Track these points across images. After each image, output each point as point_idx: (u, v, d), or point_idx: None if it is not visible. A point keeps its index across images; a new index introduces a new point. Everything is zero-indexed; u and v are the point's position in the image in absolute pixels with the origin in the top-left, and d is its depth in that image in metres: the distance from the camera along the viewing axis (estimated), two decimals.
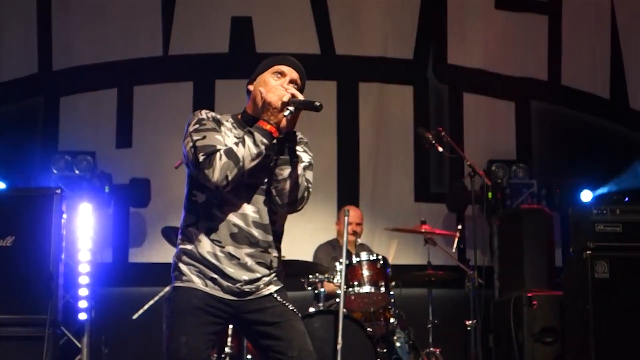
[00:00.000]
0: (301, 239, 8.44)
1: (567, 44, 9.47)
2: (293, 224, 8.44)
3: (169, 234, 6.91)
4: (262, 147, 3.58)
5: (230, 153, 3.55)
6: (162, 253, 7.93)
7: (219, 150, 3.57)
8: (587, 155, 8.94)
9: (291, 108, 3.61)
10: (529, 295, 7.75)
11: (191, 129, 3.66)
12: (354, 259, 7.22)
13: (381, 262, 7.26)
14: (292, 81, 3.80)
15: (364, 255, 7.27)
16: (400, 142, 9.21)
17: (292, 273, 7.26)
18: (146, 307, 7.02)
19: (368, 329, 7.00)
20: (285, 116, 3.62)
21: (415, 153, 9.15)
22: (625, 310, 6.97)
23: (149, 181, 8.61)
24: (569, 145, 9.09)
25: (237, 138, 3.65)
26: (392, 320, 7.29)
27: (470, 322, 7.36)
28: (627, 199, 7.65)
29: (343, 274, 6.77)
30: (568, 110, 9.37)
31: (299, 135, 3.84)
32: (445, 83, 9.33)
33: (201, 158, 3.55)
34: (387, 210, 8.91)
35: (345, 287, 6.80)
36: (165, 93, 9.06)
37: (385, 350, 7.17)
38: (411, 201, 9.13)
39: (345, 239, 6.83)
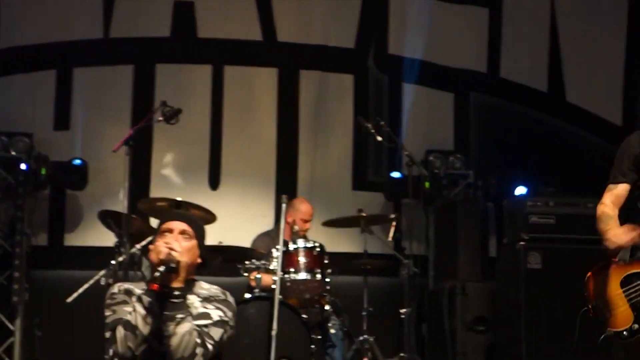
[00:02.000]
0: (239, 225, 8.45)
1: (507, 36, 9.55)
2: (231, 211, 8.54)
3: (105, 218, 6.88)
4: (149, 308, 3.70)
5: (126, 323, 3.68)
6: (98, 236, 7.88)
7: (119, 323, 3.70)
8: (524, 147, 9.04)
9: (161, 268, 3.75)
10: (462, 284, 7.88)
11: (105, 304, 3.81)
12: (291, 246, 7.21)
13: (318, 249, 7.25)
14: (181, 232, 3.96)
15: (300, 243, 7.26)
16: (339, 131, 9.24)
17: (229, 259, 7.32)
18: (81, 290, 6.96)
19: (303, 316, 7.00)
20: (161, 272, 3.74)
21: (354, 142, 9.19)
22: (557, 301, 7.12)
23: (86, 164, 8.53)
24: (506, 137, 9.17)
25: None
26: (327, 307, 7.31)
27: (405, 310, 7.43)
28: (560, 192, 7.80)
29: (280, 260, 6.78)
30: (506, 103, 9.47)
31: (212, 292, 3.95)
32: (385, 73, 9.36)
33: (107, 335, 3.71)
34: (325, 198, 8.89)
35: (281, 273, 6.80)
36: (105, 76, 8.97)
37: (319, 337, 7.13)
38: (349, 190, 9.17)
39: (282, 227, 6.82)
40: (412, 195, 8.03)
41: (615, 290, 4.30)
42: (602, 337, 4.32)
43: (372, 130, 7.55)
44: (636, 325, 4.20)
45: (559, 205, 7.54)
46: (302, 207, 7.80)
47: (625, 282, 4.29)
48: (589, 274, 4.49)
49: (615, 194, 4.53)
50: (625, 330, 4.22)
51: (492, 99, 9.46)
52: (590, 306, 4.41)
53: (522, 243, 7.33)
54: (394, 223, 7.73)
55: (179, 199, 6.93)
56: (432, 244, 8.71)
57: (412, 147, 8.40)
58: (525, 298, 7.23)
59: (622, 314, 4.25)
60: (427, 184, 8.43)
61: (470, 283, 7.97)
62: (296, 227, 7.70)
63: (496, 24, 9.53)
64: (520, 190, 8.41)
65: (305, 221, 7.80)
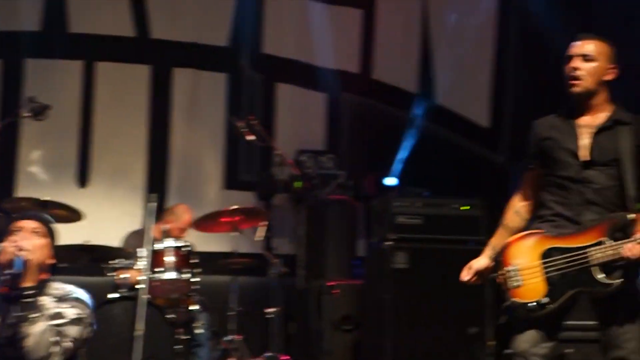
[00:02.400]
0: (107, 224, 8.38)
1: (380, 38, 9.67)
2: (99, 209, 8.42)
3: None
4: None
5: None
6: None
7: None
8: (395, 149, 9.14)
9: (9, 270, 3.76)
10: (330, 284, 7.94)
11: None
12: (159, 245, 7.18)
13: (186, 248, 7.26)
14: (33, 231, 3.99)
15: (168, 242, 7.25)
16: (211, 130, 9.22)
17: (96, 258, 7.25)
18: None
19: (169, 315, 7.00)
20: (10, 274, 3.76)
21: (226, 141, 9.17)
22: (422, 300, 7.27)
23: None
24: (378, 137, 9.25)
25: None
26: (194, 307, 7.31)
27: (272, 309, 7.49)
28: (427, 193, 7.93)
29: (148, 259, 6.80)
30: (378, 103, 9.59)
31: (66, 290, 3.96)
32: (259, 72, 9.37)
33: None
34: (196, 197, 8.86)
35: (149, 273, 6.80)
36: None
37: (186, 337, 7.14)
38: (220, 189, 9.16)
39: (149, 226, 6.87)
40: (283, 194, 8.11)
41: (533, 260, 4.27)
42: (506, 305, 4.29)
43: (244, 130, 7.57)
44: (546, 299, 4.18)
45: (425, 206, 7.62)
46: (185, 216, 7.85)
47: (546, 255, 4.26)
48: (512, 239, 4.40)
49: (525, 181, 4.54)
50: (536, 302, 4.19)
51: (364, 99, 9.56)
52: (501, 272, 4.34)
53: (388, 243, 7.39)
54: (263, 222, 7.75)
55: (45, 198, 6.84)
56: (301, 244, 8.73)
57: (285, 147, 8.61)
58: (391, 297, 7.28)
59: (533, 285, 4.22)
60: (297, 184, 8.48)
61: (338, 282, 8.01)
62: (167, 226, 7.68)
63: (369, 26, 9.64)
64: (391, 180, 8.53)
65: (183, 230, 7.84)
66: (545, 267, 4.23)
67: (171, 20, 9.18)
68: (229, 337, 7.51)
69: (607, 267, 4.13)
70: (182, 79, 9.18)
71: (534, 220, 4.44)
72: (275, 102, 9.41)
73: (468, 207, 7.65)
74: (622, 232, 4.16)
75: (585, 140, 4.31)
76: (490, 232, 6.73)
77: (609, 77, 4.34)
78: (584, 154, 4.29)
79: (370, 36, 9.64)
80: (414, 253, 7.41)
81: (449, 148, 9.52)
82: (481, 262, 4.52)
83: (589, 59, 4.30)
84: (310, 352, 8.03)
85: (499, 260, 4.37)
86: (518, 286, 4.23)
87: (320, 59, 9.46)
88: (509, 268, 4.29)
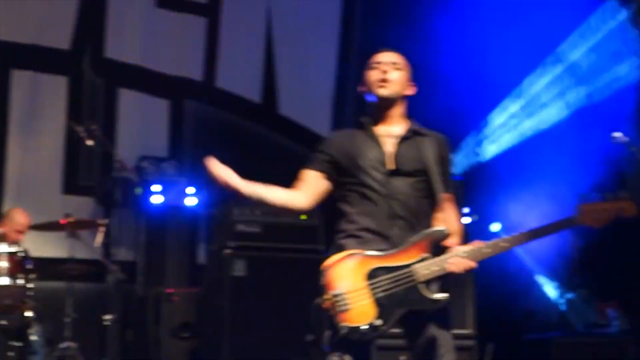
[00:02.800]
0: None
1: (224, 46, 9.71)
2: None
3: None
4: None
5: None
6: None
7: None
8: (237, 157, 9.12)
9: None
10: (169, 291, 7.96)
11: None
12: None
13: (21, 254, 7.14)
14: None
15: (2, 247, 7.10)
16: (51, 134, 9.01)
17: None
18: None
19: (2, 322, 6.89)
20: None
21: (66, 145, 8.99)
22: (260, 307, 7.36)
23: None
24: (220, 145, 9.16)
25: None
26: (28, 313, 7.15)
27: (109, 316, 7.42)
28: None
29: None
30: (221, 112, 9.61)
31: None
32: (101, 76, 9.24)
33: None
34: (34, 201, 8.62)
35: None
36: None
37: (19, 344, 7.05)
38: (59, 194, 8.97)
39: None
40: (123, 200, 8.05)
41: (359, 282, 4.07)
42: (335, 332, 4.02)
43: (83, 134, 7.48)
44: (379, 321, 4.03)
45: (264, 215, 7.69)
46: (18, 218, 7.66)
47: (371, 275, 4.09)
48: (333, 260, 4.16)
49: (302, 179, 4.36)
50: (368, 325, 4.01)
51: (207, 107, 9.57)
52: (327, 296, 4.08)
53: (227, 251, 7.45)
54: (102, 228, 7.65)
55: None
56: (141, 250, 8.69)
57: (126, 153, 8.53)
58: (229, 305, 7.35)
59: (362, 308, 4.04)
60: (138, 190, 8.45)
61: (177, 289, 8.05)
62: (1, 230, 7.52)
63: (213, 34, 9.67)
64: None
65: (19, 232, 7.65)
66: (373, 289, 4.07)
67: (11, 20, 8.93)
68: (65, 345, 7.39)
69: (433, 283, 4.11)
70: (21, 81, 8.94)
71: (337, 235, 4.29)
72: (117, 107, 9.29)
73: (305, 217, 7.75)
74: (442, 246, 4.15)
75: (389, 149, 4.32)
76: (328, 242, 6.85)
77: (409, 92, 4.39)
78: (389, 162, 4.25)
79: (214, 44, 9.67)
80: (252, 261, 7.48)
81: (290, 157, 9.52)
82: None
83: (398, 68, 4.36)
84: (148, 359, 7.99)
85: (324, 285, 4.11)
86: (346, 310, 4.03)
87: (164, 65, 9.45)
88: (335, 292, 4.07)
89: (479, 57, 9.11)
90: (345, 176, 4.29)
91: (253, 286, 7.42)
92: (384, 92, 4.34)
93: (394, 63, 4.39)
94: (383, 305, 4.04)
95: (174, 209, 8.60)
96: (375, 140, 4.31)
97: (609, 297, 8.77)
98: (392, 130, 4.34)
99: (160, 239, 8.48)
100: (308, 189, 4.32)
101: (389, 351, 6.26)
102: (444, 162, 4.39)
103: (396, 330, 4.16)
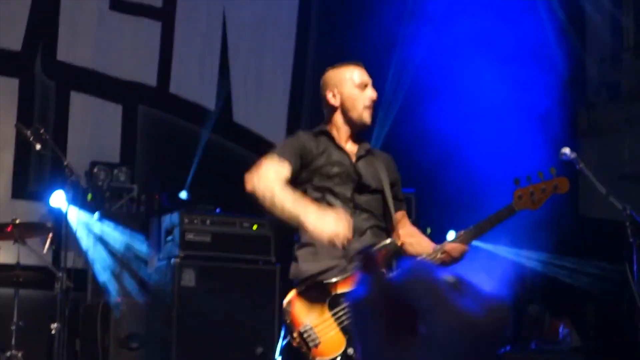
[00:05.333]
0: None
1: (178, 52, 9.61)
2: None
3: None
4: None
5: None
6: None
7: None
8: (190, 164, 9.11)
9: None
10: (119, 300, 7.82)
11: None
12: None
13: None
14: None
15: None
16: (0, 137, 8.81)
17: None
18: None
19: None
20: None
21: (16, 149, 8.84)
22: (209, 318, 7.28)
23: None
24: (173, 152, 9.21)
25: None
26: None
27: (55, 325, 7.21)
28: (218, 210, 7.95)
29: None
30: (174, 118, 9.50)
31: None
32: (53, 79, 9.09)
33: None
34: None
35: None
36: None
37: None
38: (8, 198, 8.83)
39: None
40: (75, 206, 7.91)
41: (323, 313, 4.02)
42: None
43: (31, 138, 7.38)
44: (351, 350, 3.94)
45: (214, 224, 7.63)
46: None
47: (332, 304, 4.04)
48: (292, 296, 4.07)
49: (280, 171, 4.14)
50: (339, 356, 3.95)
51: (160, 113, 9.45)
52: (295, 335, 4.00)
53: (177, 260, 7.38)
54: (50, 234, 7.53)
55: None
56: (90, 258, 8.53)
57: (77, 158, 8.34)
58: (178, 314, 7.27)
59: (332, 340, 3.98)
60: (89, 196, 8.34)
61: (126, 298, 7.92)
62: None
63: (168, 39, 9.56)
64: (182, 204, 8.51)
65: None
66: (337, 318, 4.02)
67: None
68: (9, 353, 7.27)
69: None
70: None
71: (297, 244, 4.24)
72: (68, 111, 9.14)
73: (257, 227, 7.71)
74: (395, 259, 4.13)
75: (356, 164, 4.31)
76: (279, 252, 6.84)
77: None
78: (355, 176, 4.27)
79: (168, 49, 9.56)
80: (201, 271, 7.40)
81: (245, 166, 9.49)
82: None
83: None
84: None
85: (289, 323, 4.02)
86: (317, 345, 3.97)
87: (117, 69, 9.32)
88: (302, 329, 3.99)
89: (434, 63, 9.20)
90: (308, 180, 4.22)
91: (202, 296, 7.33)
92: (369, 119, 4.34)
93: (372, 85, 4.38)
94: (350, 333, 3.90)
95: (125, 217, 8.43)
96: (343, 152, 4.30)
97: (561, 313, 8.84)
98: (353, 147, 4.36)
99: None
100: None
101: None
102: (397, 181, 4.46)
103: None
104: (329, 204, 4.13)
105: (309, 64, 10.01)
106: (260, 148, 9.63)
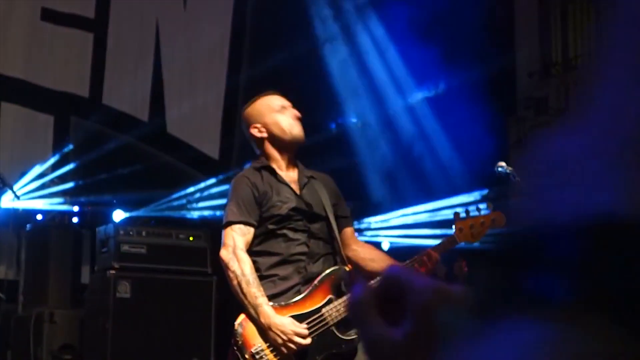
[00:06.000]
0: None
1: (111, 63, 9.59)
2: None
3: None
4: None
5: None
6: None
7: None
8: (123, 176, 9.08)
9: None
10: (51, 312, 7.76)
11: None
12: None
13: None
14: None
15: None
16: None
17: None
18: None
19: None
20: None
21: None
22: (145, 330, 7.29)
23: None
24: (106, 164, 9.14)
25: None
26: None
27: None
28: (152, 222, 7.98)
29: None
30: (107, 129, 9.44)
31: None
32: None
33: None
34: None
35: None
36: None
37: None
38: None
39: None
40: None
41: None
42: None
43: None
44: None
45: (150, 235, 7.63)
46: None
47: None
48: (243, 318, 4.10)
49: (247, 240, 4.20)
50: None
51: (93, 124, 9.39)
52: (247, 356, 4.03)
53: (112, 272, 7.36)
54: None
55: None
56: (22, 269, 8.47)
57: (8, 169, 8.30)
58: (113, 326, 7.23)
59: None
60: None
61: (59, 310, 7.88)
62: None
63: (101, 50, 9.55)
64: (119, 214, 8.51)
65: None
66: None
67: None
68: None
69: (344, 323, 4.12)
70: None
71: (263, 280, 4.20)
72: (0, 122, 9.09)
73: (192, 238, 7.74)
74: (344, 285, 4.21)
75: (301, 195, 4.34)
76: (215, 264, 6.77)
77: None
78: (305, 208, 4.31)
79: (101, 60, 9.54)
80: (137, 282, 7.38)
81: (179, 177, 9.61)
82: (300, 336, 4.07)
83: None
84: None
85: (240, 345, 4.06)
86: None
87: (49, 80, 9.27)
88: (254, 350, 4.03)
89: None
90: (265, 218, 4.25)
91: (138, 308, 7.32)
92: (301, 132, 4.36)
93: (292, 106, 4.44)
94: (302, 353, 4.04)
95: (57, 227, 8.42)
96: (288, 187, 4.32)
97: None
98: (291, 175, 4.40)
99: (42, 258, 8.24)
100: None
101: None
102: (339, 199, 4.51)
103: None
104: (288, 238, 4.22)
105: (242, 74, 10.09)
106: (194, 160, 9.79)
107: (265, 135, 4.36)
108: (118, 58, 9.65)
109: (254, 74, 9.75)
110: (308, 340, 4.03)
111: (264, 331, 4.00)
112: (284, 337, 3.97)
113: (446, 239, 4.42)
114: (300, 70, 9.32)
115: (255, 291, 4.03)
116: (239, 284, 4.04)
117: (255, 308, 4.01)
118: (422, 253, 4.27)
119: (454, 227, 4.35)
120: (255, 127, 4.37)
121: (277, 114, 4.35)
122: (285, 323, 4.00)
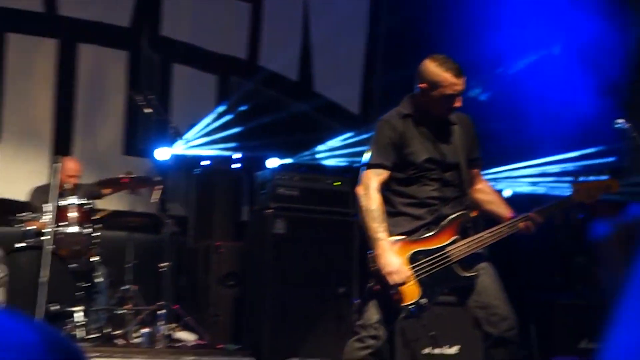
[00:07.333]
0: (16, 180, 8.66)
1: (266, 29, 10.22)
2: (9, 166, 8.74)
3: None
4: None
5: None
6: None
7: None
8: (276, 128, 9.63)
9: None
10: (217, 244, 8.36)
11: None
12: (64, 202, 7.51)
13: (88, 206, 7.64)
14: None
15: (72, 199, 7.58)
16: (113, 102, 9.45)
17: (5, 210, 7.62)
18: None
19: (72, 265, 7.38)
20: None
21: (127, 112, 9.47)
22: (297, 262, 7.77)
23: None
24: (260, 118, 9.69)
25: None
26: (94, 258, 7.70)
27: (164, 264, 7.82)
28: (303, 169, 8.48)
29: (54, 213, 7.21)
30: (262, 88, 10.01)
31: None
32: (157, 52, 9.69)
33: None
34: (97, 160, 9.11)
35: (54, 226, 7.16)
36: None
37: (86, 285, 7.57)
38: (119, 154, 9.44)
39: (54, 184, 7.25)
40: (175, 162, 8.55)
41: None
42: (403, 309, 4.36)
43: (142, 103, 7.89)
44: (424, 300, 4.34)
45: (302, 180, 8.09)
46: (67, 164, 8.00)
47: (412, 259, 4.40)
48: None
49: (380, 180, 4.48)
50: (414, 303, 4.32)
51: (250, 83, 9.97)
52: (376, 280, 4.38)
53: (269, 210, 7.82)
54: (158, 186, 8.02)
55: None
56: (192, 207, 9.12)
57: (179, 122, 8.88)
58: (270, 258, 7.70)
59: (409, 289, 4.33)
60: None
61: (223, 243, 8.41)
62: (65, 185, 7.85)
63: (256, 17, 10.18)
64: (273, 162, 9.09)
65: (70, 176, 7.98)
66: (415, 271, 4.38)
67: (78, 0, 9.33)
68: (126, 287, 7.95)
69: (465, 261, 4.44)
70: (87, 53, 9.36)
71: (399, 216, 4.53)
72: (171, 80, 9.75)
73: (339, 183, 8.19)
74: (470, 228, 4.54)
75: (437, 145, 4.59)
76: (356, 206, 7.39)
77: None
78: (439, 158, 4.57)
79: (257, 26, 10.17)
80: (291, 220, 7.82)
81: (324, 130, 10.16)
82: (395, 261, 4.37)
83: None
84: (198, 303, 8.43)
85: (373, 271, 4.39)
86: (395, 292, 4.35)
87: (213, 44, 9.92)
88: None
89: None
90: (402, 164, 4.55)
91: (291, 242, 7.74)
92: (449, 115, 4.61)
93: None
94: (425, 285, 4.38)
95: (220, 172, 9.04)
96: (426, 138, 4.58)
97: None
98: (431, 125, 4.65)
99: (209, 198, 8.85)
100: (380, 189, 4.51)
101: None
102: (473, 142, 4.74)
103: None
104: (423, 184, 4.53)
105: (381, 35, 10.60)
106: (337, 115, 10.32)
107: (425, 98, 4.54)
108: (272, 25, 10.25)
109: (393, 26, 10.19)
110: (404, 282, 4.33)
111: (376, 259, 4.36)
112: (385, 270, 4.32)
113: (564, 197, 4.68)
114: (436, 20, 9.59)
115: (377, 226, 4.35)
116: (365, 218, 4.40)
117: (375, 240, 4.35)
118: (543, 208, 4.54)
119: (571, 187, 4.57)
120: (424, 85, 4.52)
121: (444, 99, 4.49)
122: (390, 262, 4.31)
